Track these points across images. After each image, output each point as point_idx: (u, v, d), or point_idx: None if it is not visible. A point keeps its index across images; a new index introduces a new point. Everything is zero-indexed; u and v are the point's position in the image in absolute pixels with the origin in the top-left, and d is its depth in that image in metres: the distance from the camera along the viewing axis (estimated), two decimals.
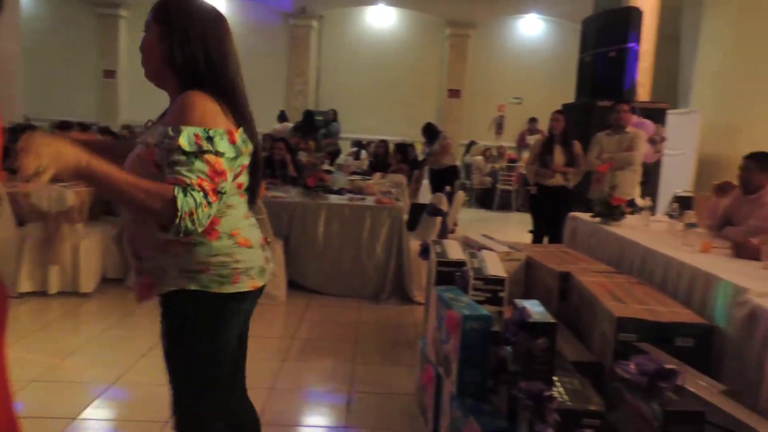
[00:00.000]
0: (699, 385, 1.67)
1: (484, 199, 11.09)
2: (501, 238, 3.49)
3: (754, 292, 2.18)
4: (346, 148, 12.08)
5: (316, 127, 11.57)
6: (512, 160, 11.31)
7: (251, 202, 1.61)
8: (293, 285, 4.75)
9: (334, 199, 5.08)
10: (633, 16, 7.28)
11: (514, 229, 7.78)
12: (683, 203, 4.68)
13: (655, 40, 8.77)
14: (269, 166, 6.19)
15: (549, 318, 1.92)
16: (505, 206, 10.79)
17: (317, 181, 5.18)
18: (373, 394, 3.07)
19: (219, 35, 1.49)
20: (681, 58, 10.44)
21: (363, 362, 3.48)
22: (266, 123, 11.60)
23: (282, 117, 12.02)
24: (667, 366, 1.38)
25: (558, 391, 1.89)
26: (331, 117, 12.78)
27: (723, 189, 3.60)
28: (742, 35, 8.30)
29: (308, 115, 11.49)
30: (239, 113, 1.48)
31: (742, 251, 2.91)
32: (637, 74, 7.53)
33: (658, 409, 1.32)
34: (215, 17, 1.51)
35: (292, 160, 6.49)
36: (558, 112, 5.53)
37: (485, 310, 2.17)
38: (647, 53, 8.48)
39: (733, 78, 8.30)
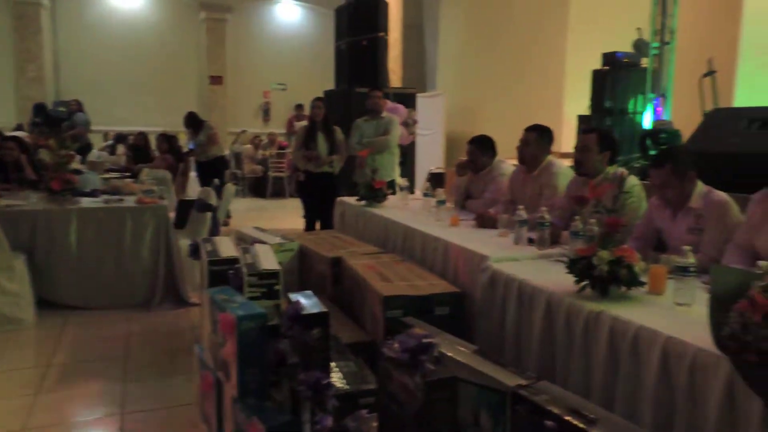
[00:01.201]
0: (455, 349, 1.87)
1: (257, 188, 10.99)
2: (277, 225, 3.49)
3: (493, 259, 2.51)
4: (98, 143, 10.90)
5: (57, 119, 10.22)
6: (283, 147, 11.35)
7: None
8: (45, 304, 4.17)
9: (86, 202, 4.56)
10: (380, 6, 7.75)
11: (290, 216, 7.84)
12: (436, 180, 5.17)
13: (401, 29, 9.49)
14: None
15: (321, 308, 1.97)
16: (278, 193, 10.82)
17: (63, 183, 4.58)
18: (151, 411, 2.86)
19: None
20: (425, 45, 11.47)
21: (136, 378, 3.21)
22: None
23: (19, 129, 10.32)
24: (425, 341, 1.50)
25: (336, 377, 1.97)
26: (75, 107, 11.38)
27: (462, 167, 4.05)
28: (473, 23, 9.40)
29: (39, 109, 10.05)
30: None
31: (483, 221, 3.33)
32: (388, 61, 8.07)
33: (419, 380, 1.45)
34: None
35: (30, 160, 5.64)
36: (318, 99, 5.67)
37: (260, 307, 2.15)
38: (396, 41, 9.14)
39: (469, 63, 9.38)
